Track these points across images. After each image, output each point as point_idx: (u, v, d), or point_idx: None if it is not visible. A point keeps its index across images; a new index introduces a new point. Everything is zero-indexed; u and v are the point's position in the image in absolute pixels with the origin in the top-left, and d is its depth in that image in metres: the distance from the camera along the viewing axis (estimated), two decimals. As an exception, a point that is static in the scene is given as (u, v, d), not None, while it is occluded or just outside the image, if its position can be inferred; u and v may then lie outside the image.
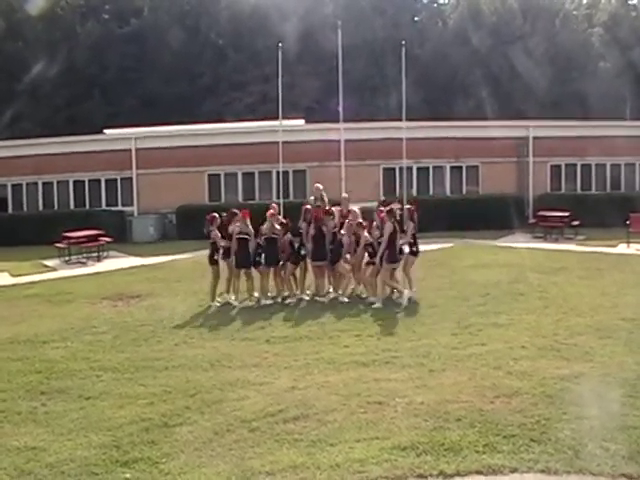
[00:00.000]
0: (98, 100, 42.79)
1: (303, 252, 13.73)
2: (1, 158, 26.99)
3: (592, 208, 23.89)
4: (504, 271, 15.55)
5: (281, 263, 13.73)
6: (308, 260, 13.88)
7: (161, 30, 43.98)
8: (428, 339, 10.20)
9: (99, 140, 27.74)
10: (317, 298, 13.65)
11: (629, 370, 8.17)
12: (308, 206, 14.23)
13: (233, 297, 13.64)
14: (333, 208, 14.02)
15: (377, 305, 12.77)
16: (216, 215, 13.77)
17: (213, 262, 13.70)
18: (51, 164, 26.83)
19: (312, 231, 13.57)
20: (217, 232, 13.61)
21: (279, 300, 13.58)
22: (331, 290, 13.88)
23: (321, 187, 14.31)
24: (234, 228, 13.57)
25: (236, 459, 6.31)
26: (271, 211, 13.86)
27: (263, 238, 13.48)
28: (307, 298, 13.63)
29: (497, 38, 45.66)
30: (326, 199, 14.42)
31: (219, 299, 13.57)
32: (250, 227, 13.59)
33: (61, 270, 19.06)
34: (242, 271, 13.65)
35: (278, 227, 13.63)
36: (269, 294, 13.61)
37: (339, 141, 17.15)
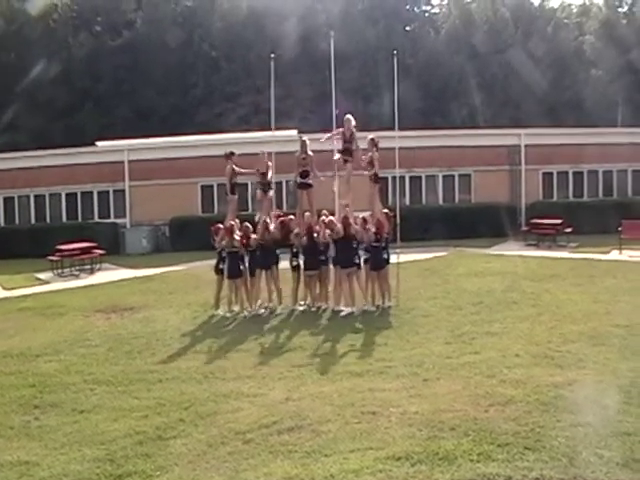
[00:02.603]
0: (91, 111, 42.83)
1: (295, 263, 13.77)
2: (-8, 171, 26.97)
3: (584, 215, 24.04)
4: (497, 279, 15.56)
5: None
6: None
7: (154, 41, 44.07)
8: (422, 348, 10.19)
9: (91, 152, 27.75)
10: (311, 308, 13.65)
11: (623, 377, 8.16)
12: (291, 216, 14.40)
13: (228, 308, 13.63)
14: (331, 217, 14.00)
15: (346, 311, 12.94)
16: (221, 226, 13.86)
17: (219, 272, 13.77)
18: (43, 176, 26.83)
19: (304, 241, 13.62)
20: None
21: (273, 311, 13.53)
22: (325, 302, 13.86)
23: (307, 139, 14.59)
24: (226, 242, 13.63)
25: (230, 471, 6.28)
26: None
27: (257, 244, 13.52)
28: (301, 309, 13.61)
29: (489, 46, 45.92)
30: (310, 152, 14.39)
31: (225, 308, 13.63)
32: (236, 241, 13.59)
33: (54, 283, 19.01)
34: (233, 282, 13.64)
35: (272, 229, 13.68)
36: (264, 305, 13.58)
37: (332, 151, 17.12)
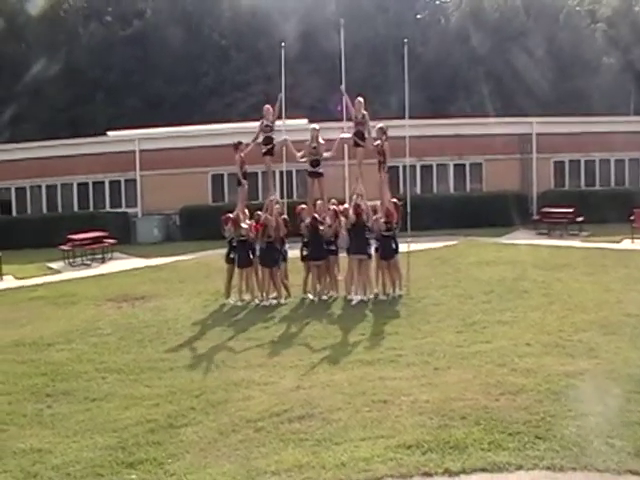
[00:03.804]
0: (101, 102, 42.78)
1: (305, 253, 13.76)
2: (4, 161, 27.04)
3: (596, 204, 23.88)
4: (508, 268, 15.49)
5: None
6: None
7: (164, 31, 43.94)
8: (433, 337, 10.18)
9: (102, 142, 27.80)
10: (321, 297, 13.65)
11: (634, 366, 8.13)
12: (303, 205, 14.37)
13: (239, 297, 13.64)
14: (342, 207, 13.99)
15: (357, 300, 12.94)
16: (231, 215, 13.85)
17: (229, 261, 13.79)
18: (54, 166, 26.89)
19: (308, 232, 13.62)
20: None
21: (281, 300, 13.52)
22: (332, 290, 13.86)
23: (317, 127, 14.56)
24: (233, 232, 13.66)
25: (241, 459, 6.31)
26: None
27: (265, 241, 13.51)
28: (311, 297, 13.61)
29: (500, 35, 45.51)
30: (322, 140, 14.33)
31: (236, 297, 13.64)
32: (244, 230, 13.61)
33: (65, 272, 19.10)
34: (243, 271, 13.66)
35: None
36: (272, 295, 13.58)
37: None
